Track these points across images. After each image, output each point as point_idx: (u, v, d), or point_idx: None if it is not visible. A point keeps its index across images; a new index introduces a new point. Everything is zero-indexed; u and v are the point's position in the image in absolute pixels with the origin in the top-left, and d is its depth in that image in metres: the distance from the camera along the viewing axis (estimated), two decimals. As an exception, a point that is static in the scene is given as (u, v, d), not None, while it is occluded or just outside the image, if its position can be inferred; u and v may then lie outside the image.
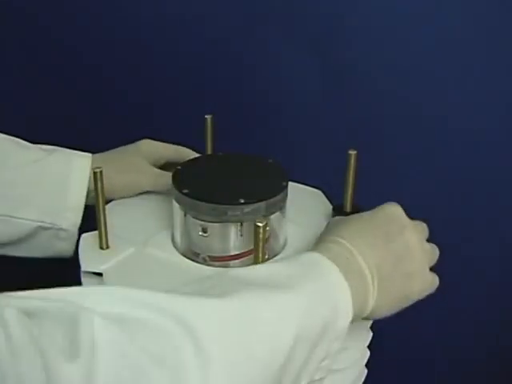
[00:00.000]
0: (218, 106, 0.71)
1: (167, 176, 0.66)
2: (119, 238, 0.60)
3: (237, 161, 0.63)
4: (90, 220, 0.61)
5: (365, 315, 0.49)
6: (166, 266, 0.57)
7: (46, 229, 0.64)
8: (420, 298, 0.51)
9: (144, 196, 0.69)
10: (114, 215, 0.63)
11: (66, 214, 0.64)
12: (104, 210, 0.58)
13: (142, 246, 0.59)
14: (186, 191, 0.56)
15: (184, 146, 0.71)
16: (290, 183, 0.59)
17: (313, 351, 0.43)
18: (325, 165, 0.83)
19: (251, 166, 0.62)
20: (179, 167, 0.61)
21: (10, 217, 0.63)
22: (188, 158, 0.68)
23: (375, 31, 0.81)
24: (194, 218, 0.56)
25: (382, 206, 0.53)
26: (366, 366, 0.63)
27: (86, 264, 0.57)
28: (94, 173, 0.56)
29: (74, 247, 0.65)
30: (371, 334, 0.60)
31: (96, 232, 0.59)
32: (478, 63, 0.79)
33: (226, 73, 0.87)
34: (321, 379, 0.47)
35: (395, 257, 0.50)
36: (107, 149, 0.70)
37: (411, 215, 0.53)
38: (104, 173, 0.57)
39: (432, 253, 0.53)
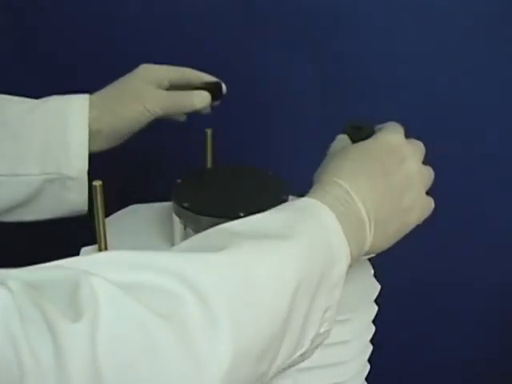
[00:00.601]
0: (218, 119, 0.71)
1: (176, 95, 0.63)
2: (119, 251, 0.60)
3: (237, 174, 0.63)
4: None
5: (361, 256, 0.48)
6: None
7: (52, 181, 0.59)
8: (417, 223, 0.51)
9: (144, 209, 0.68)
10: (114, 228, 0.62)
11: (69, 160, 0.59)
12: (104, 223, 0.57)
13: (141, 259, 0.59)
14: (186, 205, 0.56)
15: (184, 159, 0.71)
16: (290, 196, 0.59)
17: (314, 300, 0.43)
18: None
19: (251, 178, 0.62)
20: (179, 180, 0.61)
21: (13, 175, 0.59)
22: (190, 79, 0.64)
23: (375, 35, 0.81)
24: (194, 231, 0.56)
25: (381, 133, 0.51)
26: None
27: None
28: (94, 186, 0.56)
29: (86, 199, 0.61)
30: (372, 269, 0.60)
31: (96, 246, 0.59)
32: (479, 64, 0.79)
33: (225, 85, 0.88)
34: (327, 332, 0.46)
35: (395, 193, 0.49)
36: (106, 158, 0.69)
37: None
38: (109, 107, 0.54)
39: (428, 176, 0.53)
